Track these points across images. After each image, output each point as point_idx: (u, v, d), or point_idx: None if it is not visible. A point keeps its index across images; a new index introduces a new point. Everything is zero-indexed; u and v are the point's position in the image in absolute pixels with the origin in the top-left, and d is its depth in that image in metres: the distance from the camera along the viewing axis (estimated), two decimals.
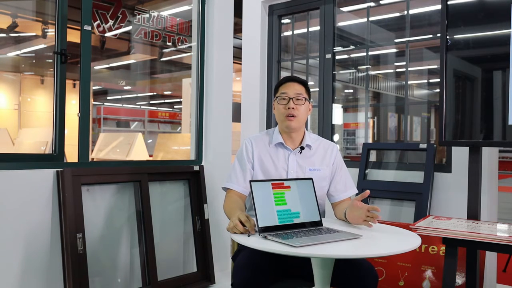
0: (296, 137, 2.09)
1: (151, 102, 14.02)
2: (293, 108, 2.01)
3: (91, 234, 2.57)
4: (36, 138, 5.64)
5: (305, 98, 2.04)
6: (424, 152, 3.24)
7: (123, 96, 13.11)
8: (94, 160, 5.90)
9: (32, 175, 2.38)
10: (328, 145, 2.15)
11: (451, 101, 2.42)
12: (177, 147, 4.72)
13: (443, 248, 2.64)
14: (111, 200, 2.72)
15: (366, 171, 3.53)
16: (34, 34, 6.98)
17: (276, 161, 2.06)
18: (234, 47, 3.57)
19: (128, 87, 12.04)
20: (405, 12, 3.61)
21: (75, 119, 2.64)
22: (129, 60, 9.10)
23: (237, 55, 4.39)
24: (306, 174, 2.03)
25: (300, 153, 2.08)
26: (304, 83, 2.09)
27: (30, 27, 6.83)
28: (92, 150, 6.38)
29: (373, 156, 3.83)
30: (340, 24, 4.26)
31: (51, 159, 2.51)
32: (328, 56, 3.90)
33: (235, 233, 1.65)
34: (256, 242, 1.53)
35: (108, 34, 3.49)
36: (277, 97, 2.06)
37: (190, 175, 3.14)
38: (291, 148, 2.08)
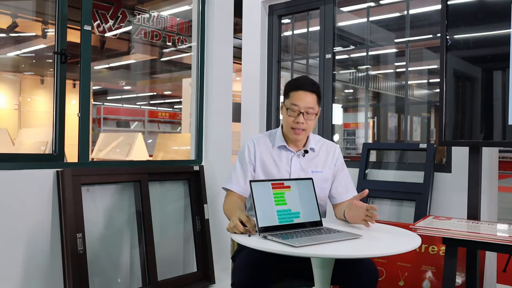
0: (300, 141, 2.07)
1: (151, 102, 14.03)
2: (302, 123, 1.96)
3: (91, 234, 2.57)
4: (36, 138, 5.64)
5: (315, 113, 1.99)
6: (424, 152, 3.24)
7: (123, 96, 13.12)
8: (94, 160, 5.90)
9: (32, 175, 2.38)
10: (330, 147, 2.14)
11: (451, 101, 2.42)
12: (177, 147, 4.72)
13: (443, 248, 2.64)
14: (111, 200, 2.72)
15: (366, 171, 3.53)
16: (34, 34, 6.98)
17: (279, 163, 2.05)
18: (234, 47, 3.57)
19: (128, 87, 12.05)
20: (405, 12, 3.60)
21: (75, 119, 2.64)
22: (129, 60, 9.10)
23: (237, 55, 4.39)
24: (309, 176, 2.03)
25: (304, 156, 2.06)
26: (317, 91, 2.00)
27: (30, 27, 6.83)
28: (92, 150, 6.38)
29: (373, 156, 3.83)
30: (340, 24, 4.26)
31: (51, 159, 2.51)
32: (328, 56, 3.89)
33: (235, 233, 1.65)
34: (256, 242, 1.53)
35: (108, 34, 3.48)
36: (287, 108, 1.99)
37: (190, 175, 3.14)
38: (294, 150, 2.06)
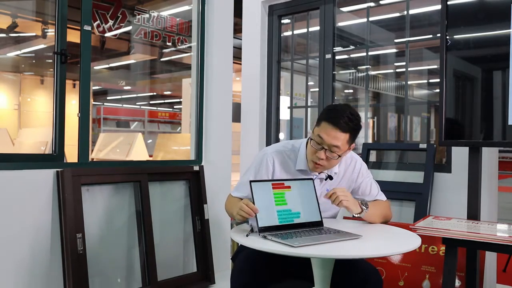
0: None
1: (151, 102, 14.03)
2: (322, 159, 1.80)
3: (91, 234, 2.57)
4: (36, 138, 5.63)
5: (340, 154, 1.81)
6: (424, 152, 3.24)
7: (123, 96, 13.12)
8: (94, 160, 5.91)
9: (32, 175, 2.37)
10: (349, 162, 2.00)
11: (451, 101, 2.42)
12: (177, 147, 4.71)
13: (443, 248, 2.64)
14: (111, 200, 2.72)
15: None
16: (34, 34, 6.98)
17: None
18: (234, 47, 3.57)
19: (128, 87, 12.05)
20: (405, 12, 3.60)
21: (75, 119, 2.64)
22: (129, 60, 9.10)
23: (237, 55, 4.39)
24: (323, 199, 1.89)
25: (326, 180, 1.93)
26: (351, 130, 1.78)
27: (30, 27, 6.83)
28: (92, 150, 6.38)
29: (373, 156, 3.82)
30: (340, 24, 4.26)
31: (51, 159, 2.51)
32: (328, 56, 3.89)
33: (240, 221, 1.63)
34: (255, 242, 1.54)
35: (108, 34, 3.48)
36: (311, 138, 1.83)
37: (190, 175, 3.14)
38: (316, 174, 1.93)
